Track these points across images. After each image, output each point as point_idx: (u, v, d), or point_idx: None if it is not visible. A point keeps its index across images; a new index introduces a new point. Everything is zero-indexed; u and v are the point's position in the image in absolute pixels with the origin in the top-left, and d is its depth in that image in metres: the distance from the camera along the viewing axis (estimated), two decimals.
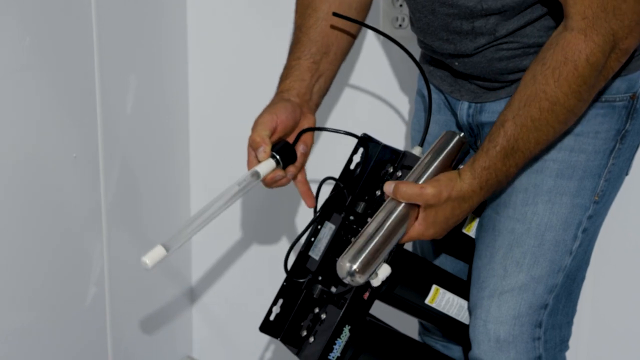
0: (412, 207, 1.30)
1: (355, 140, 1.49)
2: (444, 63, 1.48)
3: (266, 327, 1.44)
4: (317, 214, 1.45)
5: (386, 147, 1.46)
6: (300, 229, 2.13)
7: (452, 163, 1.37)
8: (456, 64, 1.44)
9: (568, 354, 1.51)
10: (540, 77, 1.27)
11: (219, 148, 2.16)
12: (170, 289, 2.18)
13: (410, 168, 1.37)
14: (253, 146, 1.40)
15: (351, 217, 1.43)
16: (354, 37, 1.54)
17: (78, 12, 1.73)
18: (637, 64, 1.38)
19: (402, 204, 1.29)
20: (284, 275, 2.14)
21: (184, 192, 2.17)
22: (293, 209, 2.15)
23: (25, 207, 1.64)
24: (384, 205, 1.31)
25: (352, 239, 1.37)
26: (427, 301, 1.46)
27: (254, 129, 1.41)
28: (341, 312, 1.36)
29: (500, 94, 1.43)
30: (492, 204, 1.43)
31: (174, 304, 2.21)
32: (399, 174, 1.40)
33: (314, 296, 1.42)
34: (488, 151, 1.30)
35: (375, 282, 1.30)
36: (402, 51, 1.46)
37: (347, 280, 1.27)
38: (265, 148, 1.39)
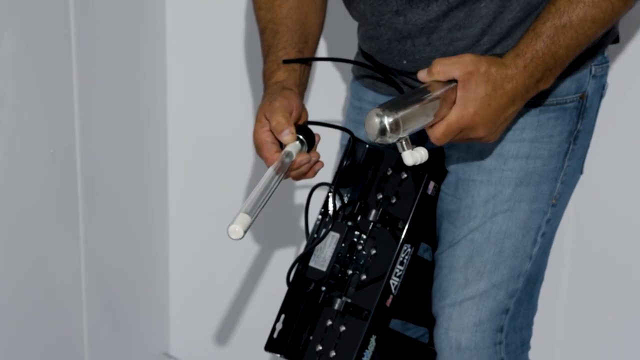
0: (449, 93, 1.22)
1: (336, 142, 1.44)
2: (390, 70, 1.46)
3: (272, 345, 1.39)
4: (330, 226, 1.38)
5: (372, 149, 1.42)
6: (286, 228, 2.13)
7: None
8: (404, 62, 1.41)
9: (543, 353, 1.54)
10: None
11: (197, 147, 2.14)
12: (147, 286, 2.18)
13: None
14: (278, 129, 1.31)
15: (351, 223, 1.40)
16: (322, 25, 1.50)
17: (56, 7, 1.69)
18: (585, 62, 1.39)
19: (439, 90, 1.21)
20: (259, 275, 2.17)
21: (162, 186, 2.17)
22: (275, 206, 2.15)
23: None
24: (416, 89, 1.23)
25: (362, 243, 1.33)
26: None
27: (272, 114, 1.31)
28: (367, 323, 1.32)
29: None
30: (449, 217, 1.44)
31: (151, 301, 2.21)
32: (404, 175, 1.37)
33: (335, 309, 1.36)
34: (535, 28, 1.25)
35: (409, 160, 1.21)
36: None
37: (377, 138, 1.17)
38: (291, 129, 1.30)
